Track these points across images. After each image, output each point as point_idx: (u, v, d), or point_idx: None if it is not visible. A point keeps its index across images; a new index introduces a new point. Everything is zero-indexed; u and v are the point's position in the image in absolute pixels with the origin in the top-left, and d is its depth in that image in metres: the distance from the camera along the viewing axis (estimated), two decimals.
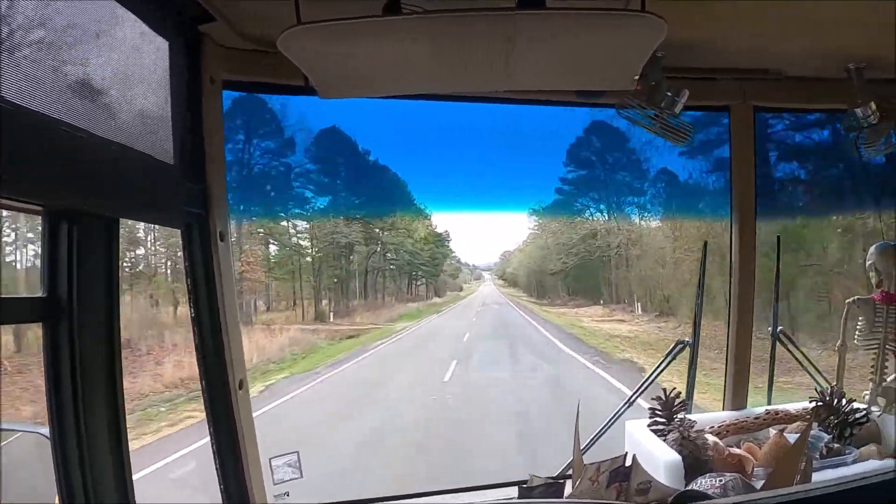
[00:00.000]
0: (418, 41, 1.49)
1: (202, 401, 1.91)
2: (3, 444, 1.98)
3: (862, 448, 2.24)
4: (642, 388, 2.47)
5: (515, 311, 24.40)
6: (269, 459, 2.04)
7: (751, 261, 2.39)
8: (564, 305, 24.42)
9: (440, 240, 25.42)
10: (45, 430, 1.46)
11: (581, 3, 1.39)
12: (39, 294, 1.40)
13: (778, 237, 2.66)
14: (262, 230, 19.40)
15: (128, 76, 1.51)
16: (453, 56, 1.58)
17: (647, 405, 2.26)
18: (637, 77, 1.71)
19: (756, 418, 2.36)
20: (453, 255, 27.14)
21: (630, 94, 2.04)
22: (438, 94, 2.09)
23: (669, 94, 2.03)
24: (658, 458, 1.99)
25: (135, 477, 1.53)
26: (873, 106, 2.22)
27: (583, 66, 1.70)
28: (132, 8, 1.50)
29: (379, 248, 23.03)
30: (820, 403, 2.32)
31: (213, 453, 1.92)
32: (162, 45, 1.68)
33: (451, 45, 1.51)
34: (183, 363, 12.26)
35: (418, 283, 25.70)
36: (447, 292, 27.40)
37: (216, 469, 1.92)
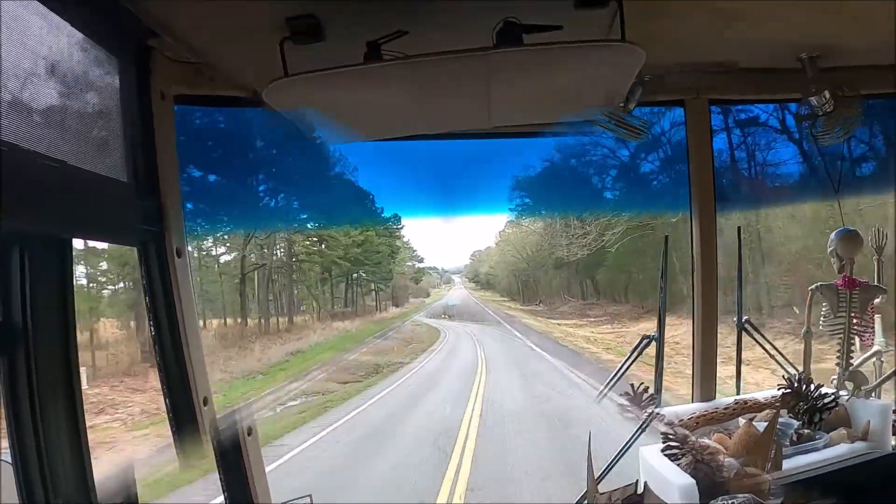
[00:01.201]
0: (400, 86, 1.52)
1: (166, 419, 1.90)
2: None
3: (832, 432, 2.27)
4: (611, 383, 2.46)
5: (527, 349, 14.37)
6: None
7: (712, 254, 2.41)
8: (587, 316, 16.27)
9: (388, 229, 17.30)
10: (6, 456, 1.44)
11: (558, 38, 1.42)
12: None
13: (738, 228, 2.69)
14: None
15: (76, 93, 1.51)
16: (435, 98, 1.61)
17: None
18: (622, 104, 1.75)
19: (725, 408, 2.37)
20: (415, 253, 20.83)
21: None
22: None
23: None
24: (672, 483, 1.98)
25: None
26: (827, 94, 2.25)
27: (564, 99, 1.73)
28: (77, 24, 1.48)
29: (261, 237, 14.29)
30: (788, 390, 2.34)
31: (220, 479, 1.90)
32: (110, 60, 1.67)
33: (431, 88, 1.55)
34: None
35: (364, 288, 18.16)
36: (409, 300, 21.22)
37: None
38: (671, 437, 2.18)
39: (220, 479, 1.89)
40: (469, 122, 1.89)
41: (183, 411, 1.87)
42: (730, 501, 1.83)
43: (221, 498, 1.91)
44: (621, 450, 2.39)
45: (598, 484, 1.93)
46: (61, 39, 1.46)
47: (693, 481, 1.97)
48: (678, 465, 2.08)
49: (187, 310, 1.87)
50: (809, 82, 2.25)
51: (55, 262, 1.48)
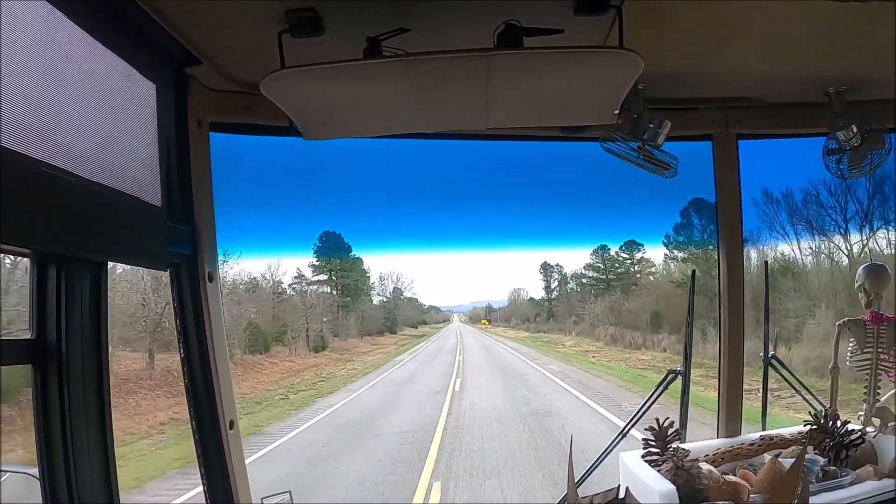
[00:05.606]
0: (398, 83, 1.52)
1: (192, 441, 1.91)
2: None
3: (859, 469, 2.22)
4: (635, 419, 2.44)
5: None
6: (262, 499, 2.01)
7: (739, 289, 2.39)
8: None
9: None
10: (34, 471, 1.45)
11: (557, 42, 1.42)
12: (28, 336, 1.41)
13: (766, 262, 2.67)
14: None
15: (115, 119, 1.53)
16: (433, 97, 1.61)
17: (640, 436, 2.24)
18: (617, 111, 1.73)
19: (751, 444, 2.34)
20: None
21: (613, 127, 2.06)
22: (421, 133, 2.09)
23: (651, 125, 2.04)
24: (652, 489, 1.98)
25: None
26: (854, 129, 2.23)
27: (562, 104, 1.72)
28: (118, 51, 1.51)
29: None
30: (814, 427, 2.30)
31: (205, 493, 1.91)
32: (149, 88, 1.70)
33: (430, 87, 1.54)
34: None
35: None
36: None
37: None
38: (651, 442, 2.17)
39: (201, 472, 1.90)
40: (466, 123, 1.90)
41: (209, 434, 1.88)
42: None
43: (196, 490, 1.90)
44: (601, 455, 2.40)
45: (578, 487, 1.90)
46: (102, 65, 1.48)
47: (674, 488, 1.96)
48: (658, 470, 2.08)
49: (217, 334, 1.89)
50: (836, 117, 2.24)
51: (90, 282, 1.50)
